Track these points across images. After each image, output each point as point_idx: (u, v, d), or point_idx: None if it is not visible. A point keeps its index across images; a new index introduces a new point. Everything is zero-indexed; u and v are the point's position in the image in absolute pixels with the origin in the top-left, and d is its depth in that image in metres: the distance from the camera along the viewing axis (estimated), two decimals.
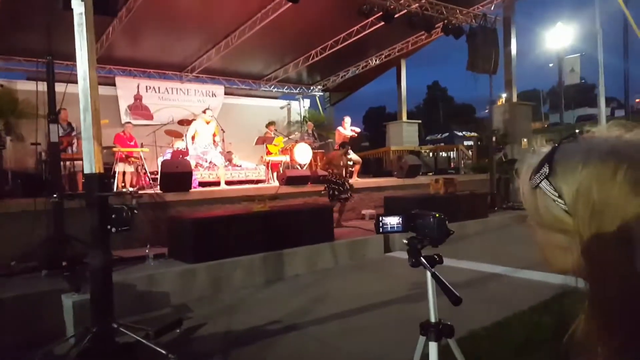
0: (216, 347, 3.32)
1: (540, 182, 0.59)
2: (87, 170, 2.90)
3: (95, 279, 2.88)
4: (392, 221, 1.46)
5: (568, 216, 0.56)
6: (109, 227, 2.86)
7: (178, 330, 3.59)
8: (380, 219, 1.46)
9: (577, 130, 0.61)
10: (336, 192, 7.21)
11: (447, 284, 1.41)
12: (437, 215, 1.44)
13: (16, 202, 5.46)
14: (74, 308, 3.43)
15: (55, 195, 3.81)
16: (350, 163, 9.99)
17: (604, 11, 12.18)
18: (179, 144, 9.72)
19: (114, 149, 8.30)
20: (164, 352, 2.84)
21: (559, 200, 0.56)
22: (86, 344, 2.77)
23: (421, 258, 1.45)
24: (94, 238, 2.88)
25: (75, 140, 7.86)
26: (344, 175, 7.52)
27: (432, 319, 1.54)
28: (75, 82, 3.34)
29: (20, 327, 3.54)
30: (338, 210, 7.34)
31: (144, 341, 3.02)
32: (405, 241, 1.50)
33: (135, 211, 3.03)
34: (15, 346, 3.40)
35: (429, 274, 1.46)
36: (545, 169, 0.58)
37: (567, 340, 0.58)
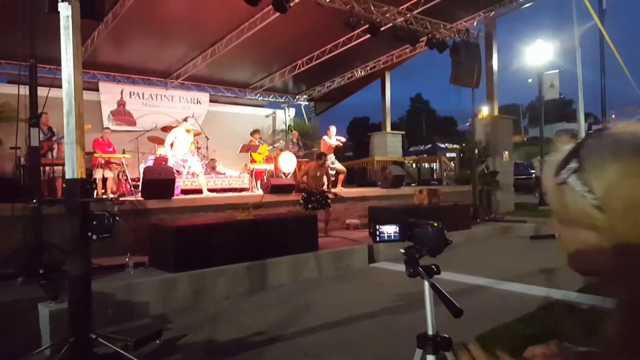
0: (198, 358, 3.24)
1: (567, 177, 0.58)
2: (69, 175, 2.83)
3: (74, 287, 2.79)
4: (389, 230, 1.44)
5: (598, 212, 0.55)
6: (89, 234, 2.79)
7: (158, 341, 3.50)
8: (377, 227, 1.44)
9: (601, 126, 0.61)
10: (303, 201, 7.19)
11: (447, 295, 1.39)
12: (435, 224, 1.43)
13: None
14: (50, 317, 3.31)
15: (34, 201, 3.69)
16: (333, 172, 10.04)
17: (582, 28, 12.59)
18: (161, 151, 9.60)
19: (95, 155, 8.15)
20: None
21: (589, 195, 0.55)
22: (63, 355, 2.67)
23: (419, 268, 1.42)
24: (74, 245, 2.80)
25: (55, 145, 7.70)
26: (321, 185, 7.51)
27: (430, 331, 1.50)
28: (58, 86, 3.28)
29: None
30: (324, 220, 7.33)
31: (123, 352, 2.94)
32: (402, 251, 1.47)
33: (117, 218, 2.96)
34: None
35: (426, 284, 1.43)
36: (574, 165, 0.57)
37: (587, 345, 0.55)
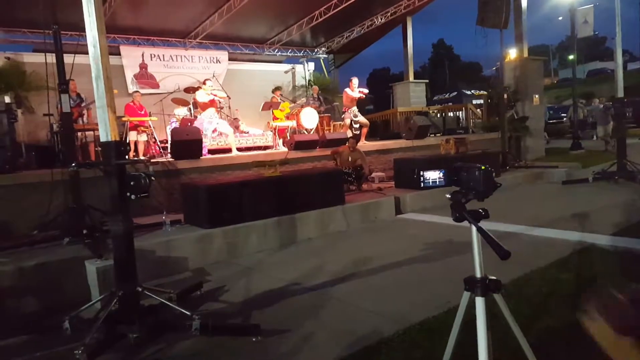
0: (237, 307, 3.42)
1: None
2: (103, 139, 2.91)
3: (118, 245, 2.94)
4: (434, 175, 1.45)
5: None
6: (127, 194, 2.89)
7: (199, 293, 3.70)
8: (421, 173, 1.45)
9: None
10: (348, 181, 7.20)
11: (494, 238, 1.39)
12: (483, 167, 1.41)
13: (33, 173, 5.57)
14: (97, 274, 3.53)
15: (74, 165, 3.85)
16: (357, 126, 9.94)
17: None
18: (180, 112, 9.70)
19: (123, 119, 8.29)
20: (188, 313, 2.93)
21: None
22: (114, 307, 2.86)
23: (465, 212, 1.42)
24: (114, 205, 2.92)
25: (85, 111, 7.87)
26: (352, 166, 7.44)
27: (478, 274, 1.51)
28: (82, 52, 3.31)
29: (44, 294, 3.67)
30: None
31: (168, 303, 3.12)
32: (448, 196, 1.48)
33: (153, 178, 3.06)
34: (41, 312, 3.53)
35: (474, 228, 1.44)
36: None
37: None
